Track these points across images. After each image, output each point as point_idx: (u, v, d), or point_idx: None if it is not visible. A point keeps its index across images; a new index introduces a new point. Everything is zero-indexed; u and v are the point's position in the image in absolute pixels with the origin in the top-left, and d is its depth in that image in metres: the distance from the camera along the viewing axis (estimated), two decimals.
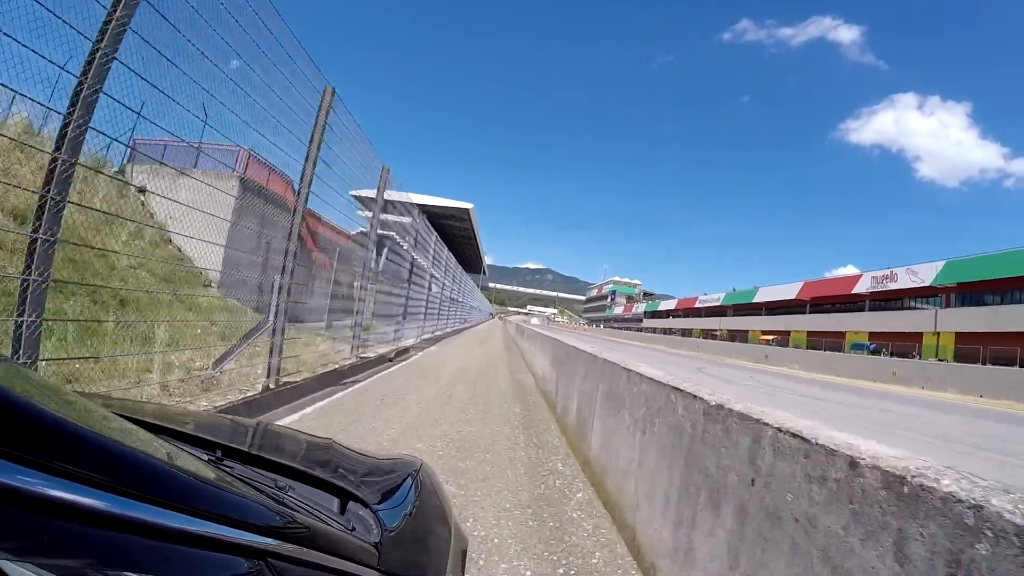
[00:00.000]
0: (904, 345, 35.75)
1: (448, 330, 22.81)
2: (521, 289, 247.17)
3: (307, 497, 0.79)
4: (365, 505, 0.88)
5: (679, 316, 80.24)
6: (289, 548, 0.57)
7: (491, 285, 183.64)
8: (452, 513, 1.17)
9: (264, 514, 0.59)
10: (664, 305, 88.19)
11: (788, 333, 49.38)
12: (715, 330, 62.78)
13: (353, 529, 0.77)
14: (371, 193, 9.22)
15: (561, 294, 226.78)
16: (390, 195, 9.64)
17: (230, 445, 0.92)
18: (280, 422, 4.07)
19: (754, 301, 57.42)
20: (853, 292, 43.16)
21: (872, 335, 39.93)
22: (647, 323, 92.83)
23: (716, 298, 67.04)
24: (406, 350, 11.21)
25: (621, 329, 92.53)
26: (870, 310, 42.76)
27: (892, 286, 39.71)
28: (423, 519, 1.02)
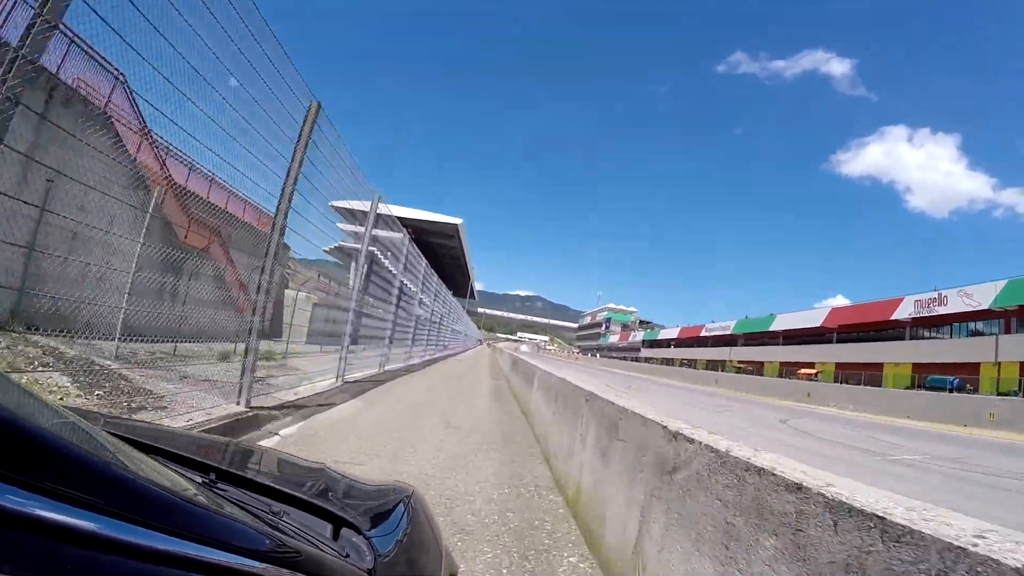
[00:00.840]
0: (967, 378, 30.58)
1: (414, 361, 16.95)
2: (511, 315, 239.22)
3: (301, 522, 0.80)
4: (358, 531, 0.87)
5: (682, 346, 74.80)
6: (283, 574, 0.57)
7: (480, 310, 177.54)
8: (443, 540, 1.16)
9: (258, 539, 0.59)
10: (664, 334, 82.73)
11: (812, 365, 44.07)
12: (726, 362, 57.36)
13: (347, 556, 0.76)
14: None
15: (552, 321, 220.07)
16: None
17: (223, 468, 0.91)
18: None
19: (771, 329, 52.22)
20: (892, 318, 38.09)
21: (916, 366, 34.71)
22: (645, 352, 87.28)
23: (726, 326, 61.83)
24: (249, 420, 4.54)
25: (617, 359, 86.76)
26: (911, 338, 37.69)
27: (941, 310, 34.72)
28: (415, 546, 1.01)
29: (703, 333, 67.71)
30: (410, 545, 0.98)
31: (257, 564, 0.54)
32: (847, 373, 39.08)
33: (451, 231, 62.91)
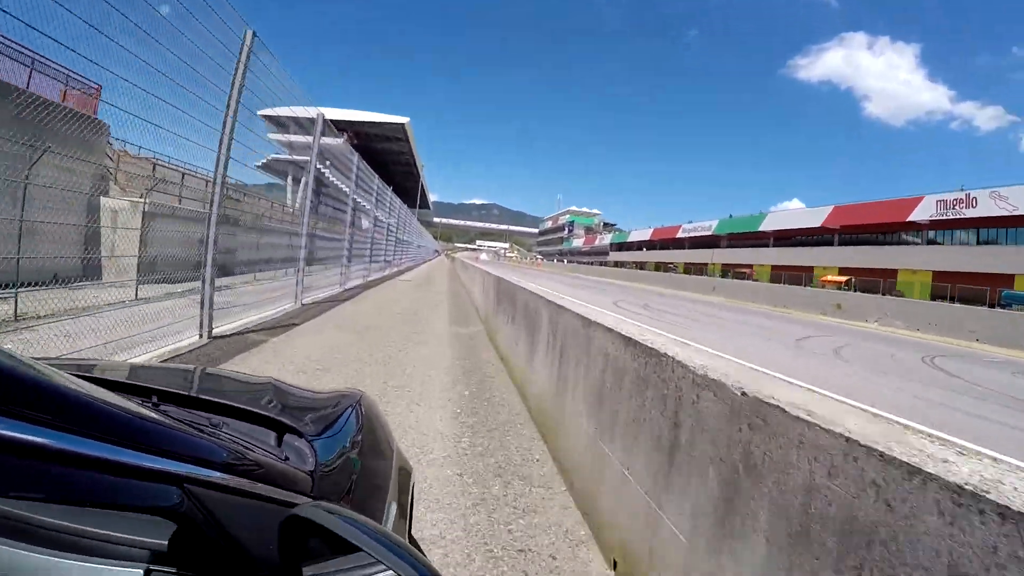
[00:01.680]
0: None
1: (322, 294, 10.55)
2: (469, 223, 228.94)
3: (241, 431, 0.80)
4: (301, 436, 0.88)
5: (655, 248, 70.77)
6: (212, 476, 0.58)
7: (436, 220, 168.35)
8: (394, 442, 1.21)
9: (185, 442, 0.59)
10: (635, 235, 78.22)
11: (810, 269, 40.50)
12: (708, 265, 53.58)
13: (287, 459, 0.77)
14: None
15: (512, 227, 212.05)
16: None
17: (167, 390, 0.91)
18: None
19: (760, 230, 48.03)
20: (908, 220, 34.05)
21: (939, 275, 31.24)
22: (614, 256, 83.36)
23: (706, 227, 57.46)
24: None
25: (585, 264, 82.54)
26: (930, 242, 34.05)
27: (969, 213, 30.68)
28: (363, 448, 1.02)
29: (680, 235, 63.43)
30: (357, 447, 0.99)
31: (183, 465, 0.54)
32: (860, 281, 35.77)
33: (398, 132, 54.73)
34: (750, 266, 47.87)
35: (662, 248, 68.48)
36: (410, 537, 1.15)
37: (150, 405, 0.76)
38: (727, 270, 49.85)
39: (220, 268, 6.16)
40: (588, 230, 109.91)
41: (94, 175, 8.97)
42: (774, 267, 44.61)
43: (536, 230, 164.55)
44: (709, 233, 56.84)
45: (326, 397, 1.24)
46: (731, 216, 54.24)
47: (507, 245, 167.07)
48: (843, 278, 35.28)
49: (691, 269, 55.90)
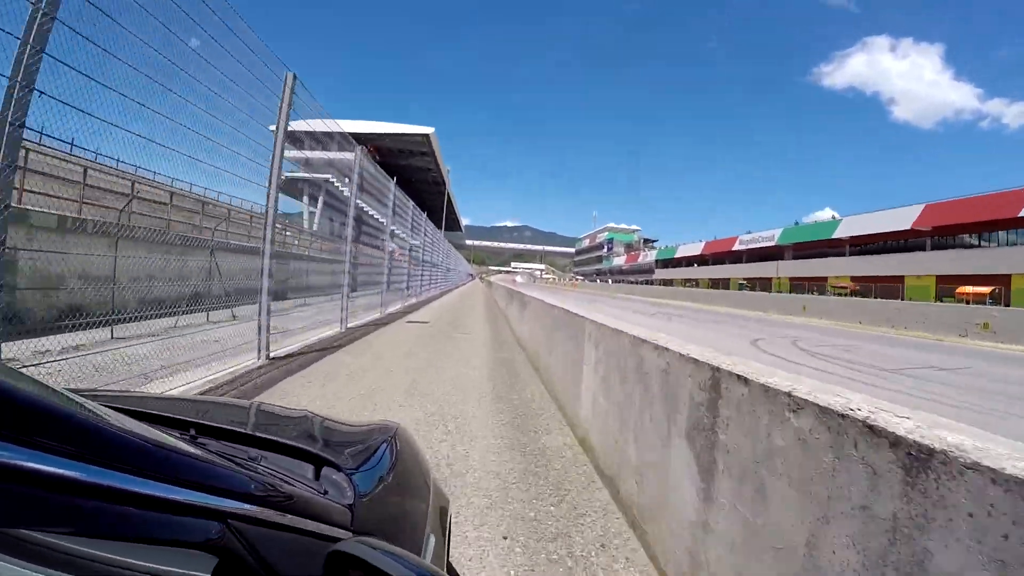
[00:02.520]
0: None
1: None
2: (502, 245, 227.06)
3: (279, 464, 0.81)
4: (339, 469, 0.89)
5: (707, 263, 66.81)
6: (253, 510, 0.58)
7: (468, 242, 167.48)
8: (431, 474, 1.19)
9: (227, 478, 0.60)
10: (684, 251, 74.26)
11: (900, 279, 36.29)
12: (772, 279, 49.49)
13: (326, 492, 0.78)
14: None
15: (546, 247, 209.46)
16: None
17: (203, 423, 0.92)
18: None
19: (834, 237, 43.93)
20: (1021, 216, 29.87)
21: None
22: (660, 274, 79.53)
23: (768, 236, 53.49)
24: None
25: (630, 283, 78.82)
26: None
27: None
28: (400, 481, 1.03)
29: (736, 247, 59.45)
30: (395, 481, 0.99)
31: (225, 501, 0.56)
32: (949, 289, 31.61)
33: (422, 145, 50.60)
34: (823, 279, 43.73)
35: (715, 263, 64.58)
36: (449, 566, 1.12)
37: (188, 438, 0.77)
38: (796, 284, 45.77)
39: None
40: (628, 247, 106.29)
41: None
42: (854, 279, 40.49)
43: (570, 249, 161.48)
44: (771, 244, 52.87)
45: (362, 429, 1.22)
46: (797, 224, 50.39)
47: (543, 266, 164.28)
48: (987, 289, 29.68)
49: (752, 285, 51.94)
